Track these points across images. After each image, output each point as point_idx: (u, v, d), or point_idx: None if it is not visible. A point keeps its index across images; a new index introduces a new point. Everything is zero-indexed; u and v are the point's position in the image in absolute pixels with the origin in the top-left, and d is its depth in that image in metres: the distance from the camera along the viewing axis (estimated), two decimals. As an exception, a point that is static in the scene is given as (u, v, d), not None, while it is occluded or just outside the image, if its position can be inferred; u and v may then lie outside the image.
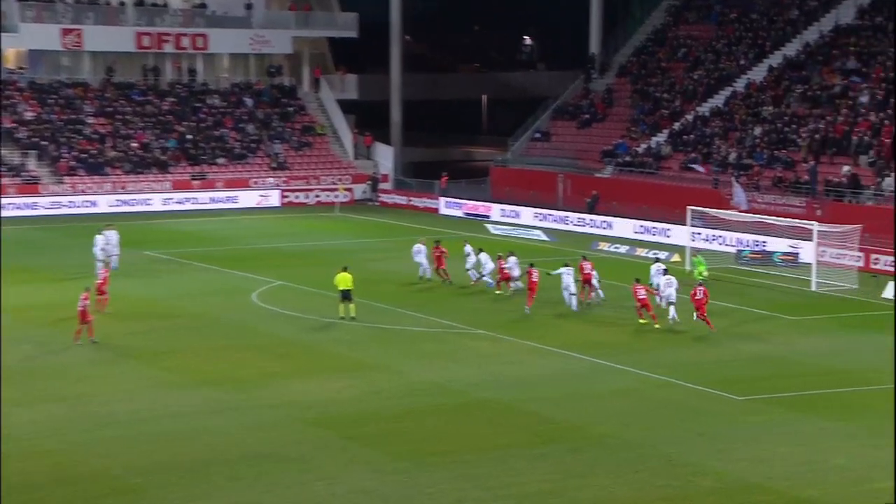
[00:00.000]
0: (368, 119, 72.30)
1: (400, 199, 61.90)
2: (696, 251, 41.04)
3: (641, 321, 32.34)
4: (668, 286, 33.19)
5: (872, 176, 47.62)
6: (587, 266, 34.77)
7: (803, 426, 23.50)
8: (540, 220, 54.09)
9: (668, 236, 48.52)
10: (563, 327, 32.63)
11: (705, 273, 37.98)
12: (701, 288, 32.35)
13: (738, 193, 48.81)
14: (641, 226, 50.05)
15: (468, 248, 37.86)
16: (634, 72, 64.13)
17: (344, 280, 32.42)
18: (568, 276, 34.15)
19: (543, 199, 57.31)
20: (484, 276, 36.97)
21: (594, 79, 66.10)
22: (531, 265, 35.17)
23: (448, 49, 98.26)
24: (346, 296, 32.27)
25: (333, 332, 31.79)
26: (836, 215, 45.36)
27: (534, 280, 33.98)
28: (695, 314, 32.23)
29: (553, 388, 26.29)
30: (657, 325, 32.09)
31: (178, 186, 60.61)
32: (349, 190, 62.34)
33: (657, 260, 36.56)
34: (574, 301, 34.07)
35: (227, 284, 38.74)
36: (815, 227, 39.75)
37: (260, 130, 65.36)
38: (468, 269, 37.32)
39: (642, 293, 32.43)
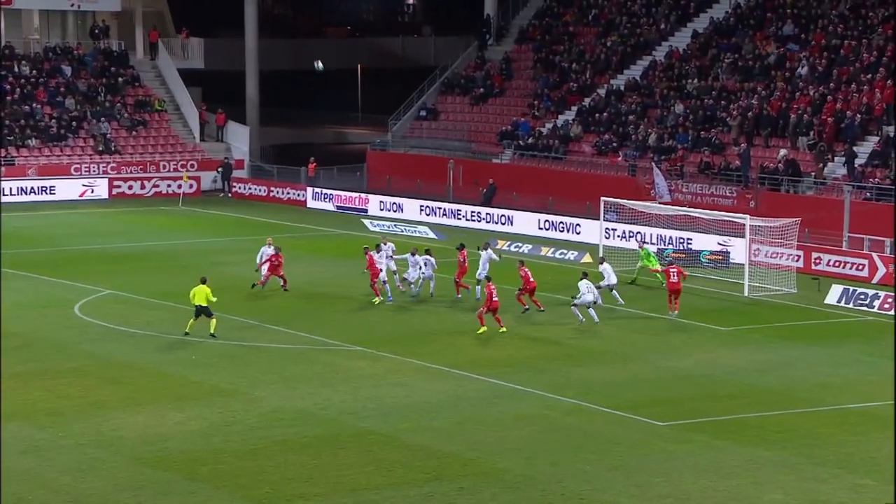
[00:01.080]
0: (218, 93, 71.57)
1: (258, 190, 61.49)
2: (642, 245, 42.30)
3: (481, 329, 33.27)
4: (587, 292, 34.27)
5: (813, 161, 49.19)
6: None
7: (733, 455, 24.10)
8: (427, 214, 54.38)
9: (577, 233, 49.31)
10: (455, 343, 32.89)
11: (656, 267, 39.84)
12: (674, 269, 35.17)
13: (659, 182, 49.91)
14: (547, 221, 50.76)
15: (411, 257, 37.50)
16: (537, 38, 64.95)
17: (200, 294, 31.99)
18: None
19: (431, 190, 57.60)
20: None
21: (490, 46, 66.71)
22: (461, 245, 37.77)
23: (314, 9, 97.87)
24: (201, 312, 32.09)
25: (176, 351, 31.43)
26: (772, 207, 46.71)
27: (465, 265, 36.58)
28: (672, 312, 34.91)
29: (443, 415, 26.47)
30: (503, 329, 33.20)
31: (-21, 174, 59.00)
32: (195, 179, 61.63)
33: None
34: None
35: (42, 294, 37.92)
36: (748, 220, 40.80)
37: (82, 105, 64.07)
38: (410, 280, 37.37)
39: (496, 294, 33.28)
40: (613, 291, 37.02)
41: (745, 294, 39.43)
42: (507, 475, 22.87)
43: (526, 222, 51.29)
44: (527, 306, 35.28)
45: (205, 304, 31.90)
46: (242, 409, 26.65)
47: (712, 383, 29.32)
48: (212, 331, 32.04)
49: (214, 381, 28.76)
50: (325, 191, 58.83)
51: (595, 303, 34.65)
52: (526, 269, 35.39)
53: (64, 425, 25.41)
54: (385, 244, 37.89)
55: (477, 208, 53.63)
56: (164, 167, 62.48)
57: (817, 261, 42.48)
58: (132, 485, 22.27)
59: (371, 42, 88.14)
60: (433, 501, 21.60)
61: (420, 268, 36.86)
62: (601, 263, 37.70)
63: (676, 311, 35.54)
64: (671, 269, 35.72)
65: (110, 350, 31.52)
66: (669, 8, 61.65)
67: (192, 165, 62.91)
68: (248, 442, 24.51)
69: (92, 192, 59.92)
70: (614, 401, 27.41)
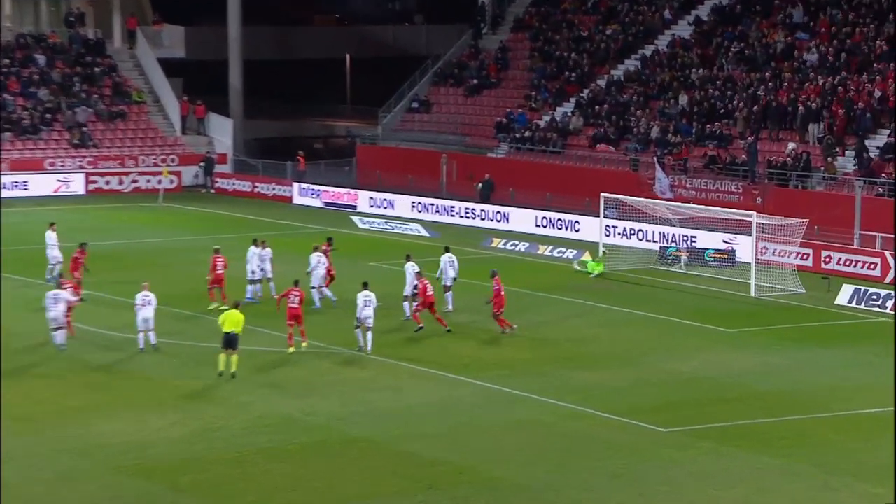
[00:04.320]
0: (200, 83, 71.49)
1: (242, 186, 61.49)
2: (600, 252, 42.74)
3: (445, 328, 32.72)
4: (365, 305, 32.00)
5: (822, 155, 49.26)
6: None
7: (739, 463, 24.18)
8: (419, 211, 54.41)
9: (576, 230, 49.36)
10: (447, 345, 32.93)
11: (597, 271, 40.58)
12: (425, 282, 33.35)
13: (661, 177, 49.98)
14: (545, 217, 50.84)
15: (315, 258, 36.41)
16: (534, 26, 65.01)
17: (231, 320, 29.10)
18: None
19: (423, 186, 57.62)
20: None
21: (484, 35, 66.74)
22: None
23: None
24: (230, 341, 29.05)
25: (156, 355, 31.42)
26: (780, 204, 46.81)
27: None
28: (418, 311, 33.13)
29: (436, 420, 26.53)
30: (448, 329, 32.86)
31: (-51, 169, 58.96)
32: (176, 174, 61.62)
33: (409, 258, 35.72)
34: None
35: (17, 295, 37.88)
36: (755, 217, 40.91)
37: (56, 97, 63.99)
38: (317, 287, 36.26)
39: (430, 288, 32.87)
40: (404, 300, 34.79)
41: (752, 294, 39.51)
42: (503, 483, 22.93)
43: (523, 219, 51.31)
44: (421, 324, 33.12)
45: (237, 332, 28.97)
46: (226, 414, 26.66)
47: (717, 387, 29.39)
48: (233, 369, 29.03)
49: (195, 386, 28.75)
50: (312, 186, 58.86)
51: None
52: (426, 282, 33.21)
53: (38, 432, 25.40)
54: (263, 247, 36.80)
55: (471, 205, 53.68)
56: (144, 161, 62.43)
57: (827, 259, 42.57)
58: (111, 494, 22.29)
59: (360, 30, 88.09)
60: (426, 511, 21.68)
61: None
62: (408, 261, 35.35)
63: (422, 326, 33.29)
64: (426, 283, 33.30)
65: (87, 353, 31.49)
66: (673, -6, 61.61)
67: (172, 160, 62.87)
68: (232, 449, 24.52)
69: (67, 187, 59.89)
70: (615, 406, 27.47)
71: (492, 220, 52.19)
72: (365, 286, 31.91)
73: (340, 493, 22.44)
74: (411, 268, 34.90)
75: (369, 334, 31.55)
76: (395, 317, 35.19)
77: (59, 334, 31.32)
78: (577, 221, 49.60)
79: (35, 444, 24.74)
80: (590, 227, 47.67)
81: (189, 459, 23.98)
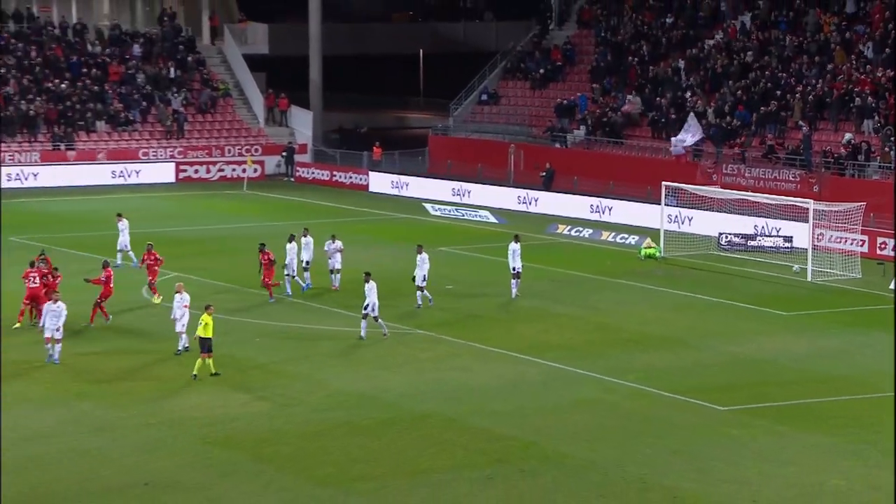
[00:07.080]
0: (282, 78, 71.87)
1: (321, 174, 61.73)
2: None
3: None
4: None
5: (878, 144, 48.43)
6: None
7: (795, 441, 23.94)
8: (489, 198, 54.19)
9: (637, 217, 48.77)
10: (514, 326, 32.86)
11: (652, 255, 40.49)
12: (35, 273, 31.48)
13: (688, 133, 49.78)
14: (608, 206, 50.32)
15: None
16: (600, 20, 64.46)
17: (204, 324, 27.34)
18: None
19: (491, 175, 57.49)
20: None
21: (551, 30, 66.39)
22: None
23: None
24: (204, 345, 27.35)
25: (240, 332, 31.66)
26: (836, 191, 46.12)
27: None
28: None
29: (503, 398, 26.47)
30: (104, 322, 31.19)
31: (48, 158, 59.71)
32: (259, 163, 62.00)
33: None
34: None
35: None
36: (811, 205, 40.40)
37: (151, 91, 64.57)
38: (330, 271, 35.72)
39: (105, 278, 31.26)
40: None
41: (809, 279, 39.02)
42: (568, 459, 22.86)
43: (586, 207, 50.80)
44: (94, 319, 31.48)
45: (208, 336, 27.24)
46: (305, 390, 26.81)
47: (774, 369, 29.09)
48: (195, 371, 27.21)
49: (276, 364, 28.96)
50: (387, 175, 58.90)
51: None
52: (110, 270, 31.60)
53: (132, 406, 25.72)
54: (304, 235, 36.06)
55: (537, 193, 53.43)
56: (229, 152, 62.89)
57: (882, 245, 41.90)
58: (198, 463, 22.55)
59: (433, 27, 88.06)
60: (494, 485, 21.65)
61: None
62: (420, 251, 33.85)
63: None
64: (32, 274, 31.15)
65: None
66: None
67: (256, 150, 63.27)
68: (310, 423, 24.67)
69: (158, 175, 60.37)
70: (675, 385, 27.26)
71: (557, 208, 51.69)
72: (368, 276, 30.53)
73: (414, 466, 22.50)
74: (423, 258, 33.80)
75: (381, 321, 30.60)
76: (464, 300, 35.19)
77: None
78: (637, 208, 48.93)
79: (127, 416, 25.04)
80: (650, 215, 47.03)
81: (270, 432, 24.14)
